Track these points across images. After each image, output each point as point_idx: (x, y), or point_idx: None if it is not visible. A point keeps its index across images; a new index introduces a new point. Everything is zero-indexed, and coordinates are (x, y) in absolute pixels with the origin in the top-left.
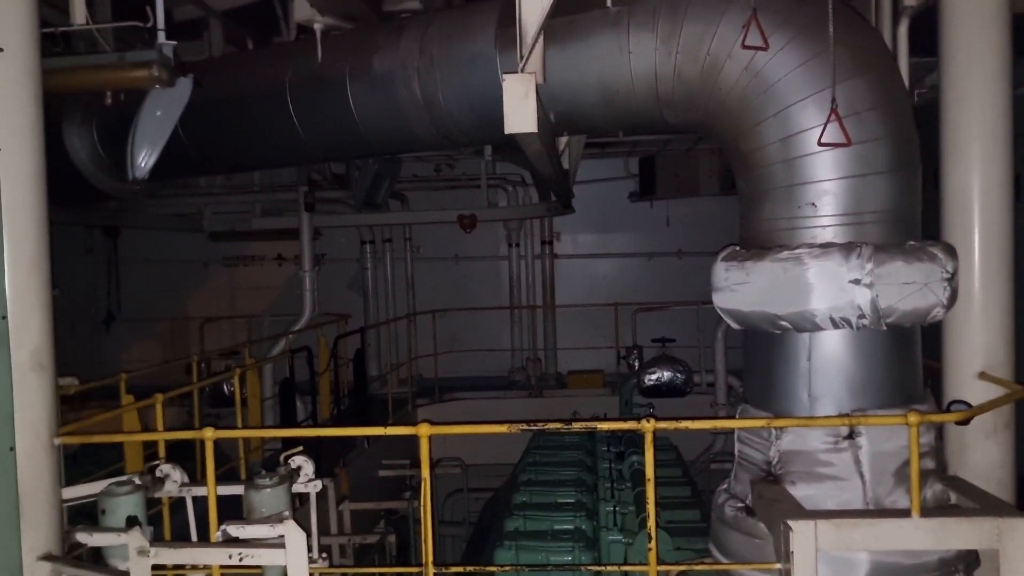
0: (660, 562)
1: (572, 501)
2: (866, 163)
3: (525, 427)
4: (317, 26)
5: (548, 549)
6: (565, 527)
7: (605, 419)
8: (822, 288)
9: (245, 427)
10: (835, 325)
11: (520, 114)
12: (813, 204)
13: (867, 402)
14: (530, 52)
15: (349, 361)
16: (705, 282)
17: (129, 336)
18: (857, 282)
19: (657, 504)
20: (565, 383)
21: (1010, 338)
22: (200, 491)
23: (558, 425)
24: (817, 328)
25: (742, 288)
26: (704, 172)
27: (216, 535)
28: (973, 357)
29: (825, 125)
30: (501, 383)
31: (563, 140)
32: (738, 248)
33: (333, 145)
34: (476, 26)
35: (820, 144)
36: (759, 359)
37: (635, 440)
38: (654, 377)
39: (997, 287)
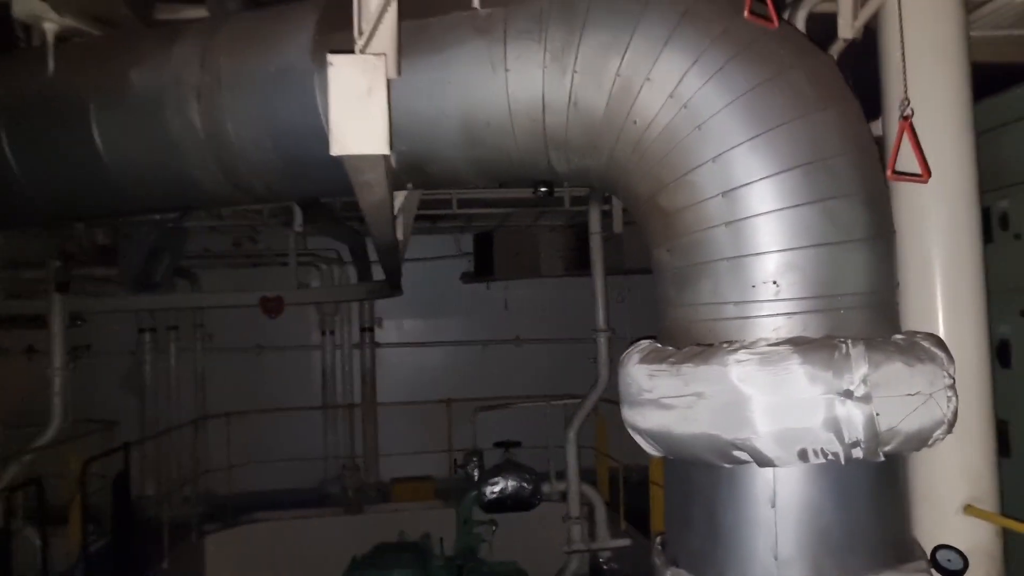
0: None
1: None
2: (841, 227)
3: None
4: (49, 27)
5: None
6: None
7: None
8: (796, 404)
9: None
10: (814, 456)
11: (359, 122)
12: (775, 283)
13: (855, 564)
14: (375, 24)
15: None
16: (549, 371)
17: None
18: (848, 395)
19: None
20: (389, 494)
21: (994, 461)
22: None
23: None
24: (786, 461)
25: (678, 403)
26: (547, 251)
27: None
28: (955, 487)
29: (897, 147)
30: (312, 498)
31: (396, 203)
32: (660, 345)
33: (70, 197)
34: (285, 31)
35: (892, 175)
36: (697, 503)
37: (475, 563)
38: (497, 488)
39: (977, 395)
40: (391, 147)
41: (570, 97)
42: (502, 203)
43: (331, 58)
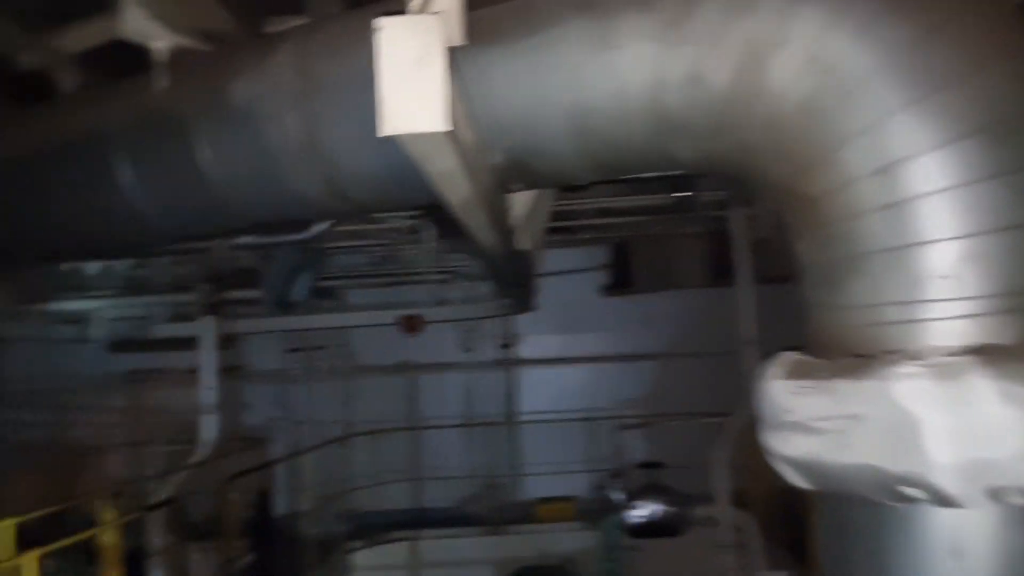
0: None
1: None
2: None
3: None
4: (159, 45)
5: None
6: None
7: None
8: (984, 429)
9: None
10: (1011, 496)
11: (411, 95)
12: (948, 277)
13: None
14: None
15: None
16: (695, 387)
17: None
18: None
19: None
20: (531, 514)
21: None
22: None
23: None
24: (973, 501)
25: (828, 426)
26: (688, 260)
27: None
28: None
29: None
30: (453, 516)
31: (518, 209)
32: (805, 357)
33: (181, 214)
34: None
35: None
36: (858, 547)
37: None
38: (642, 513)
39: None
40: (493, 154)
41: (688, 74)
42: (637, 211)
43: (379, 22)
